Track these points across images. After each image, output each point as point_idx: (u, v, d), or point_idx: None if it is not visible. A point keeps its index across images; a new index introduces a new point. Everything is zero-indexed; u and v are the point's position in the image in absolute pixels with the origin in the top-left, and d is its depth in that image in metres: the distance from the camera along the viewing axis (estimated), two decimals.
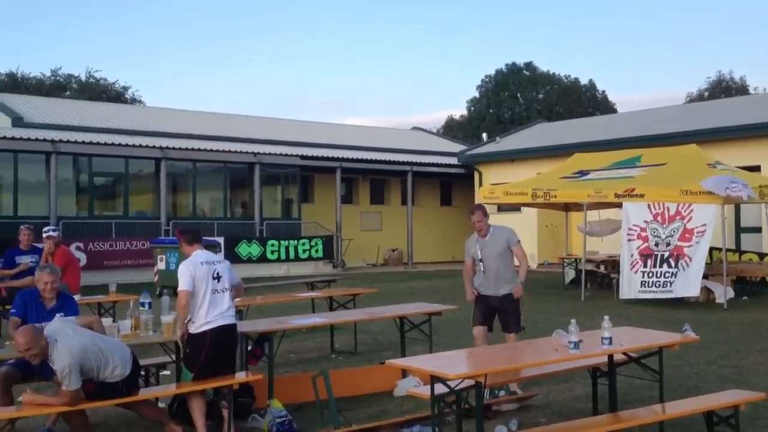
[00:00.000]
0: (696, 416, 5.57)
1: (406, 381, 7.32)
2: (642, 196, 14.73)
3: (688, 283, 13.79)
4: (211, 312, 6.04)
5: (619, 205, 15.43)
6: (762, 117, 21.11)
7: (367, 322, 10.93)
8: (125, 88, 47.56)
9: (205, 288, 6.05)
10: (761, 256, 16.71)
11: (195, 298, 6.04)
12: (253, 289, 14.57)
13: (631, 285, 14.43)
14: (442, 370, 5.00)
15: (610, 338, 5.49)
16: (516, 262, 7.79)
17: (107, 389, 5.61)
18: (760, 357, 9.14)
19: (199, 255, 6.22)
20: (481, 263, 7.69)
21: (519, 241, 7.73)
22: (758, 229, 19.44)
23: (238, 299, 6.48)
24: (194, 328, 6.04)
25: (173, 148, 22.72)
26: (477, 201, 22.63)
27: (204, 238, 16.53)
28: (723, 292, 13.98)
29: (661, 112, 27.87)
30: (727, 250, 15.02)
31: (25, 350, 5.35)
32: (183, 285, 6.00)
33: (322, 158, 25.84)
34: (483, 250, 7.68)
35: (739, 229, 21.03)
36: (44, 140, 20.73)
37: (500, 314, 7.69)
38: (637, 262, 14.44)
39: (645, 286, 14.24)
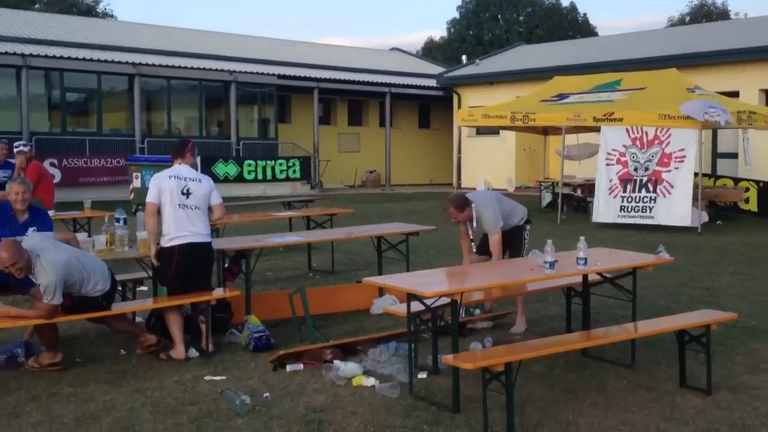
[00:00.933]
0: (668, 335, 5.67)
1: (382, 299, 7.35)
2: (621, 120, 14.72)
3: (674, 212, 13.91)
4: (179, 228, 5.99)
5: (598, 129, 15.41)
6: (742, 42, 21.01)
7: (344, 241, 10.97)
8: (96, 2, 46.24)
9: (171, 202, 5.99)
10: (736, 181, 16.85)
11: (163, 212, 6.01)
12: (229, 207, 14.42)
13: (609, 209, 14.55)
14: (419, 288, 5.03)
15: (585, 258, 5.53)
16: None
17: (88, 303, 5.61)
18: (732, 279, 9.31)
19: (172, 169, 6.16)
20: (472, 243, 7.05)
21: (497, 234, 6.69)
22: (734, 155, 19.56)
23: (216, 218, 6.39)
24: (163, 242, 6.03)
25: (147, 65, 22.26)
26: (455, 124, 22.53)
27: None
28: (698, 216, 14.12)
29: (642, 36, 27.63)
30: (703, 175, 15.13)
31: (11, 265, 5.28)
32: (149, 197, 6.02)
33: (300, 78, 25.45)
34: (472, 234, 6.97)
35: (716, 155, 21.17)
36: (14, 54, 20.21)
37: (505, 241, 6.92)
38: (617, 187, 14.54)
39: (624, 211, 14.39)
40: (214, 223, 6.48)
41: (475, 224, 6.79)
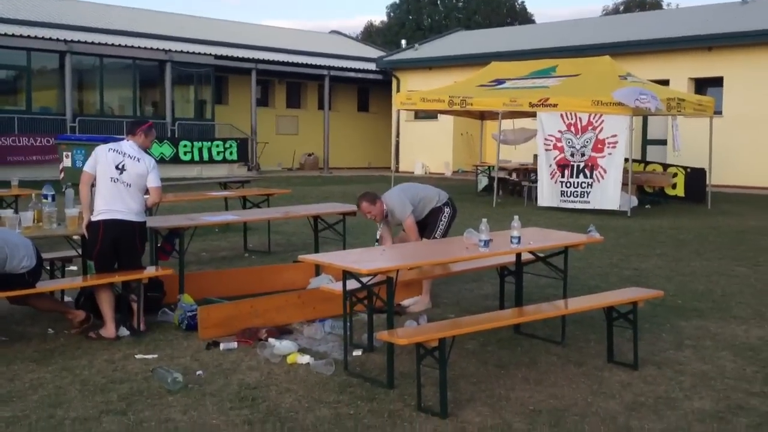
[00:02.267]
0: (597, 312, 5.81)
1: (319, 278, 7.33)
2: (555, 105, 14.93)
3: (606, 196, 14.23)
4: (107, 202, 5.89)
5: (533, 115, 15.63)
6: (673, 32, 21.57)
7: (281, 220, 10.91)
8: None
9: (104, 175, 5.90)
10: (665, 167, 17.31)
11: (97, 184, 5.93)
12: (164, 188, 14.17)
13: (552, 194, 14.82)
14: (355, 265, 5.03)
15: (519, 237, 5.61)
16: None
17: (13, 280, 5.46)
18: (659, 261, 9.57)
19: (116, 143, 6.07)
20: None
21: (409, 218, 6.77)
22: (663, 142, 20.08)
23: (152, 202, 6.25)
24: (92, 216, 5.94)
25: (79, 42, 21.68)
26: (394, 107, 22.55)
27: (112, 136, 16.02)
28: (627, 201, 14.46)
29: (578, 24, 28.08)
30: (633, 160, 15.49)
31: None
32: (86, 166, 5.98)
33: (238, 59, 25.14)
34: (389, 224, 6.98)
35: (646, 141, 21.73)
36: None
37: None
38: (556, 172, 14.80)
39: (565, 196, 14.69)
40: (150, 206, 6.35)
41: (389, 217, 6.86)
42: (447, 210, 7.10)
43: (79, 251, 6.69)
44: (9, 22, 21.78)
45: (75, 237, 6.67)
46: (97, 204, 5.91)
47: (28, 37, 20.86)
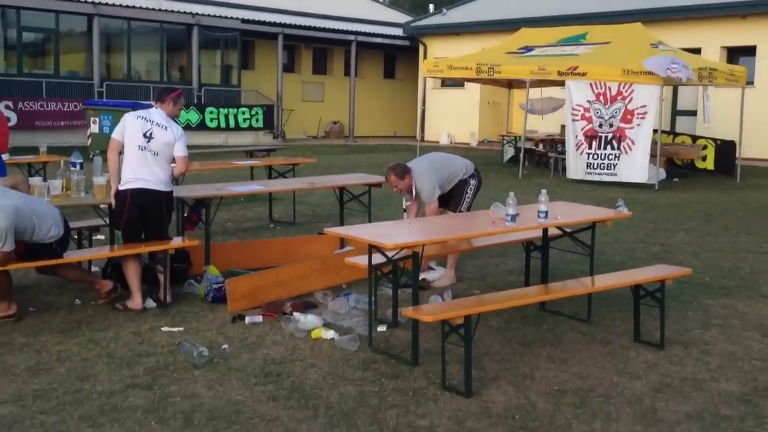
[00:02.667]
0: (623, 290, 5.76)
1: (344, 251, 7.35)
2: (584, 74, 14.73)
3: (634, 168, 14.05)
4: (135, 171, 5.88)
5: (562, 83, 15.42)
6: None
7: (306, 191, 10.91)
8: None
9: (132, 142, 5.89)
10: (694, 138, 17.05)
11: (125, 153, 5.93)
12: (190, 156, 14.28)
13: (577, 165, 14.66)
14: (380, 239, 5.01)
15: (546, 212, 5.54)
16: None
17: (41, 250, 5.49)
18: (687, 236, 9.46)
19: (145, 111, 6.08)
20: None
21: (433, 204, 6.65)
22: (693, 113, 19.77)
23: (178, 172, 6.24)
24: (120, 184, 5.95)
25: (106, 4, 21.65)
26: (421, 75, 22.35)
27: (139, 102, 15.93)
28: (655, 173, 14.29)
29: None
30: (662, 132, 15.26)
31: None
32: (114, 133, 5.97)
33: (265, 23, 25.02)
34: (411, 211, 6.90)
35: (675, 112, 21.39)
36: None
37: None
38: (582, 143, 14.62)
39: (591, 168, 14.51)
40: (176, 176, 6.34)
41: (414, 195, 6.76)
42: (473, 182, 6.99)
43: (107, 220, 6.72)
44: None
45: (102, 206, 6.69)
46: (125, 172, 5.91)
47: None
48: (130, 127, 5.93)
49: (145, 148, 5.90)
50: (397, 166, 6.71)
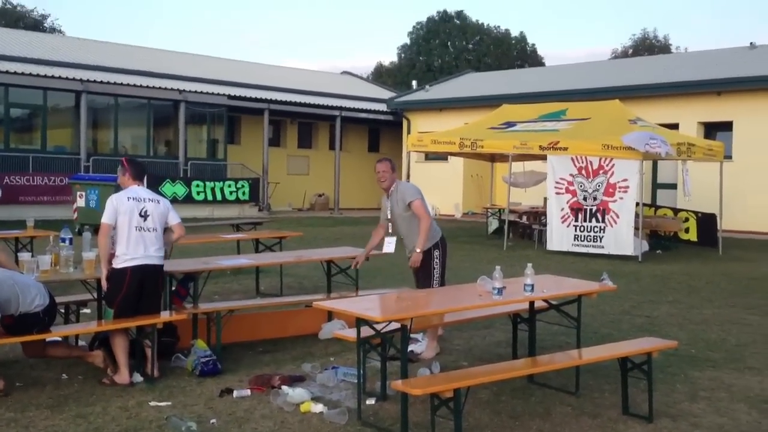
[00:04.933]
0: (610, 362, 5.79)
1: (331, 324, 7.37)
2: (566, 149, 15.02)
3: (620, 241, 14.25)
4: (134, 249, 5.91)
5: (544, 158, 15.70)
6: (682, 76, 21.74)
7: (293, 265, 10.94)
8: (44, 17, 45.58)
9: (129, 224, 5.91)
10: (675, 211, 17.31)
11: (118, 233, 5.92)
12: None
13: (562, 237, 14.82)
14: (369, 312, 5.05)
15: (533, 285, 5.62)
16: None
17: (29, 320, 5.48)
18: (672, 308, 9.54)
19: (130, 190, 6.09)
20: (389, 223, 7.02)
21: (418, 199, 6.78)
22: (674, 186, 20.10)
23: (177, 237, 6.31)
24: (116, 263, 5.93)
25: (94, 81, 21.97)
26: (405, 149, 22.69)
27: None
28: (638, 245, 14.45)
29: (588, 67, 28.33)
30: (644, 204, 15.50)
31: None
32: (105, 218, 5.93)
33: (250, 99, 25.40)
34: (391, 209, 6.96)
35: (656, 185, 21.75)
36: None
37: (416, 277, 7.02)
38: (569, 216, 14.82)
39: (578, 240, 14.69)
40: (175, 241, 6.41)
41: (395, 194, 6.84)
42: (436, 254, 6.86)
43: (95, 294, 6.71)
44: (26, 61, 22.13)
45: (90, 280, 6.70)
46: (121, 251, 5.91)
47: (45, 76, 21.15)
48: (122, 209, 5.94)
49: (143, 228, 5.97)
50: (389, 159, 7.00)
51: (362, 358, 5.38)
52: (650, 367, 5.37)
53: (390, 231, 7.04)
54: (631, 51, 49.38)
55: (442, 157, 24.05)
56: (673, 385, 6.11)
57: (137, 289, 5.95)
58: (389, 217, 6.98)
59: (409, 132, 26.31)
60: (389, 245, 7.00)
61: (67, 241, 6.47)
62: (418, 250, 6.74)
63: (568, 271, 11.41)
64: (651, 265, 13.71)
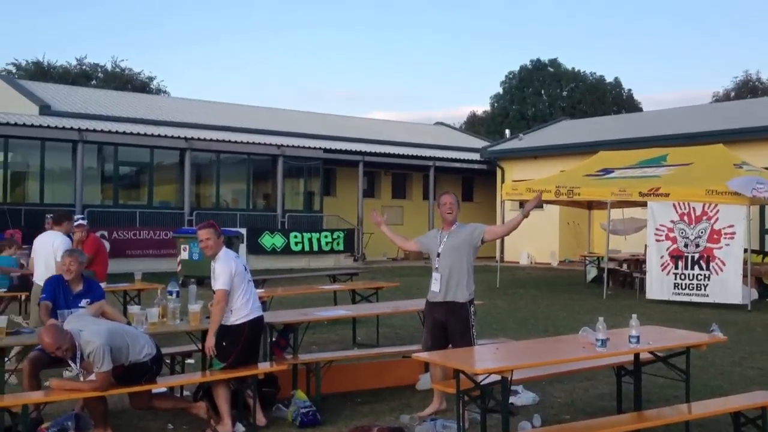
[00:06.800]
0: (722, 417, 5.53)
1: (428, 375, 7.31)
2: (667, 195, 14.63)
3: (726, 289, 13.72)
4: (249, 302, 6.15)
5: (643, 204, 15.33)
6: None
7: (390, 315, 10.97)
8: (150, 78, 47.88)
9: (242, 280, 6.12)
10: None
11: (233, 292, 6.08)
12: (275, 281, 14.64)
13: (662, 286, 14.39)
14: (468, 364, 5.00)
15: (638, 337, 5.46)
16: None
17: (138, 369, 5.68)
18: None
19: (228, 252, 6.28)
20: (437, 259, 6.62)
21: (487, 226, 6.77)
22: None
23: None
24: (232, 320, 6.09)
25: (198, 139, 22.85)
26: (499, 198, 22.59)
27: (226, 228, 16.47)
28: (747, 293, 13.85)
29: (688, 111, 27.63)
30: (752, 251, 14.88)
31: (56, 349, 5.40)
32: (223, 284, 6.00)
33: (345, 152, 25.88)
34: (445, 243, 6.62)
35: (764, 230, 20.85)
36: (71, 129, 20.92)
37: (448, 332, 6.46)
38: (668, 264, 14.38)
39: (679, 288, 14.21)
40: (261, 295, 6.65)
41: (456, 230, 6.69)
42: (472, 310, 6.56)
43: (199, 345, 6.89)
44: (134, 121, 23.29)
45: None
46: (239, 308, 6.08)
47: (152, 135, 22.15)
48: (237, 270, 6.11)
49: (251, 280, 6.25)
50: (454, 194, 6.85)
51: (461, 410, 5.31)
52: (765, 422, 5.11)
53: (436, 266, 6.66)
54: (733, 94, 47.90)
55: (537, 205, 23.75)
56: None
57: (254, 341, 6.22)
58: (439, 251, 6.61)
59: (503, 181, 26.18)
60: (436, 283, 6.69)
61: (175, 294, 6.68)
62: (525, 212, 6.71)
63: (672, 321, 11.03)
64: (761, 313, 13.09)
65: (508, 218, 24.61)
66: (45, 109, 22.64)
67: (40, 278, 7.95)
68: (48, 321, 6.04)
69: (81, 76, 44.87)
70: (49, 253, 8.09)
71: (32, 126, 20.42)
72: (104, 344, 5.37)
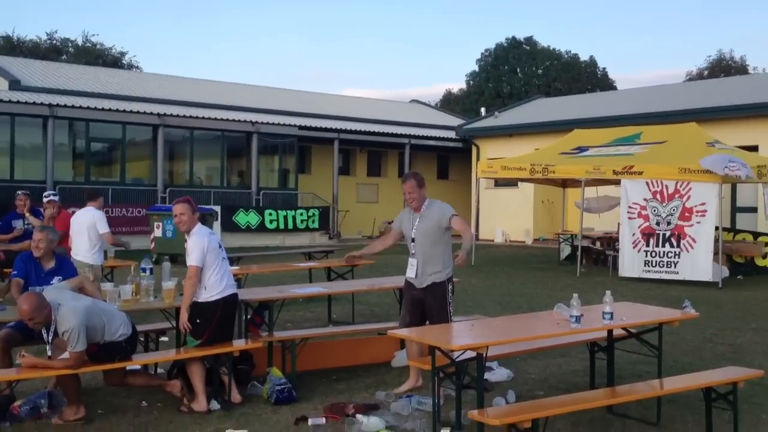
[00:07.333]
0: (693, 392, 5.61)
1: (404, 352, 7.33)
2: (641, 173, 14.73)
3: (696, 266, 13.87)
4: (222, 278, 6.12)
5: (617, 182, 15.43)
6: (761, 97, 21.09)
7: (365, 292, 10.97)
8: (122, 54, 47.16)
9: (217, 257, 6.11)
10: (756, 235, 16.75)
11: (206, 269, 6.06)
12: (250, 258, 14.58)
13: (633, 263, 14.53)
14: (444, 341, 5.02)
15: (612, 313, 5.51)
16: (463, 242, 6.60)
17: (112, 349, 5.64)
18: (755, 335, 9.20)
19: (203, 228, 6.25)
20: (412, 243, 6.58)
21: (455, 214, 6.50)
22: (754, 209, 19.48)
23: None
24: (205, 297, 6.07)
25: (171, 115, 22.59)
26: (475, 175, 22.62)
27: (200, 206, 16.47)
28: (718, 271, 14.02)
29: (662, 89, 27.78)
30: (723, 229, 15.06)
31: (29, 319, 5.35)
32: (196, 260, 6.00)
33: (320, 129, 25.75)
34: (416, 227, 6.57)
35: (735, 209, 21.11)
36: (41, 104, 20.57)
37: (426, 308, 6.52)
38: (640, 241, 14.52)
39: (649, 266, 14.36)
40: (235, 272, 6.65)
41: (426, 213, 6.55)
42: (450, 286, 6.55)
43: (173, 323, 6.85)
44: (106, 97, 22.97)
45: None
46: (212, 285, 6.06)
47: (124, 111, 21.87)
48: (210, 246, 6.07)
49: (225, 258, 6.23)
50: (418, 175, 6.72)
51: (437, 386, 5.34)
52: (736, 398, 5.18)
53: (412, 252, 6.60)
54: (706, 73, 48.18)
55: (512, 183, 23.86)
56: (758, 416, 5.88)
57: (228, 318, 6.19)
58: (413, 236, 6.57)
59: (478, 159, 26.21)
60: (412, 268, 6.67)
61: (148, 271, 6.63)
62: (464, 254, 6.23)
63: (644, 298, 11.15)
64: (732, 291, 13.28)
65: (482, 196, 24.74)
66: (15, 84, 22.23)
67: (83, 255, 8.63)
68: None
69: (51, 50, 44.11)
70: (91, 226, 8.73)
71: (2, 101, 20.08)
72: (80, 324, 5.32)
